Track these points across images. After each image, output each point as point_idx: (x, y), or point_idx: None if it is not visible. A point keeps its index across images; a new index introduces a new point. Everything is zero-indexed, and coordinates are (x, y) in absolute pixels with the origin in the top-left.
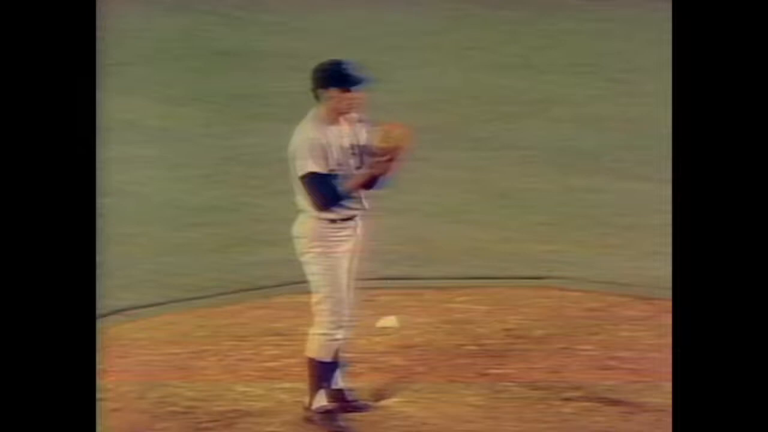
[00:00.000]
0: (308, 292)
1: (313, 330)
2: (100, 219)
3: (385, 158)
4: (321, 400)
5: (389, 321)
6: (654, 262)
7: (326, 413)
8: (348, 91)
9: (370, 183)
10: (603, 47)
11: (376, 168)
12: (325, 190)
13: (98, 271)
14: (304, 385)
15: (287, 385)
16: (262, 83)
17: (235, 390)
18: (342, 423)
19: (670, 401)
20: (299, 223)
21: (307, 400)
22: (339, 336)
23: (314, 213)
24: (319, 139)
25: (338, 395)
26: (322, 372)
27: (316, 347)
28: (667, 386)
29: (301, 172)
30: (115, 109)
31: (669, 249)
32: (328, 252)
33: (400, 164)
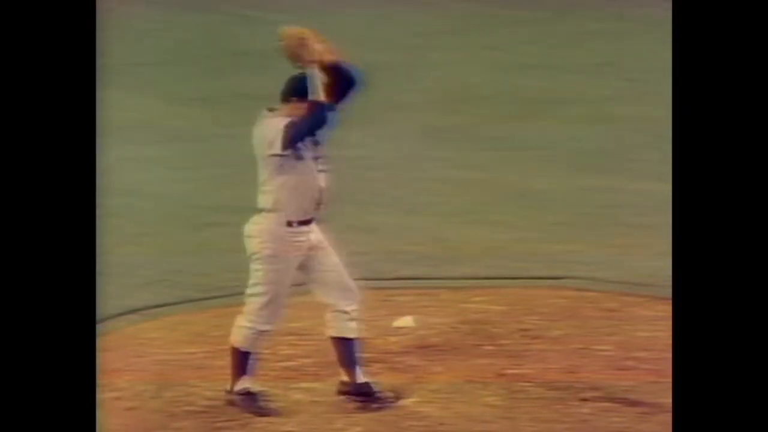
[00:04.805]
0: None
1: (239, 322)
2: (114, 219)
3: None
4: (244, 383)
5: (406, 321)
6: (671, 261)
7: (247, 395)
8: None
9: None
10: (621, 47)
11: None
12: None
13: (107, 271)
14: (320, 385)
15: (303, 384)
16: (271, 83)
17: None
18: (261, 404)
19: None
20: (254, 223)
21: (228, 385)
22: (266, 329)
23: (272, 214)
24: None
25: (365, 388)
26: (245, 360)
27: (240, 338)
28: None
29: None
30: (130, 108)
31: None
32: (279, 255)
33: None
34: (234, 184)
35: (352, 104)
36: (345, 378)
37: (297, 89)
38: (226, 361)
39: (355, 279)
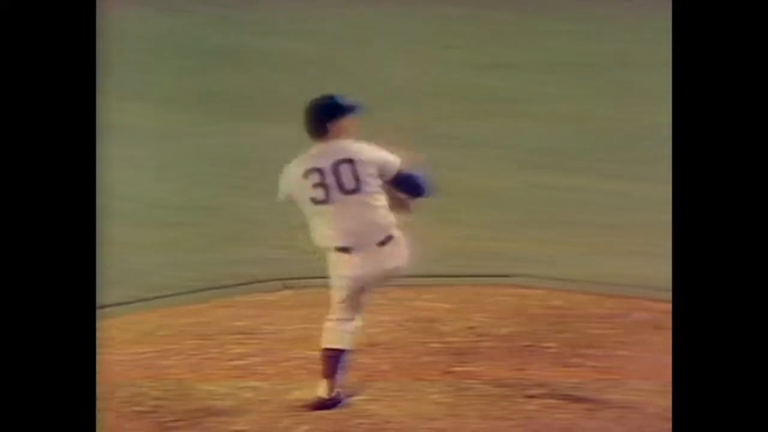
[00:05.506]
0: (272, 290)
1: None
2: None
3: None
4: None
5: None
6: (621, 260)
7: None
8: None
9: None
10: (578, 47)
11: None
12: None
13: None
14: (268, 384)
15: (252, 383)
16: (252, 83)
17: (201, 389)
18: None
19: (633, 398)
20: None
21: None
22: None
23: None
24: None
25: (336, 399)
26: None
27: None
28: (631, 383)
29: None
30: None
31: (636, 247)
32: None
33: None
34: (188, 185)
35: (300, 102)
36: (323, 394)
37: (340, 109)
38: (175, 361)
39: (305, 278)
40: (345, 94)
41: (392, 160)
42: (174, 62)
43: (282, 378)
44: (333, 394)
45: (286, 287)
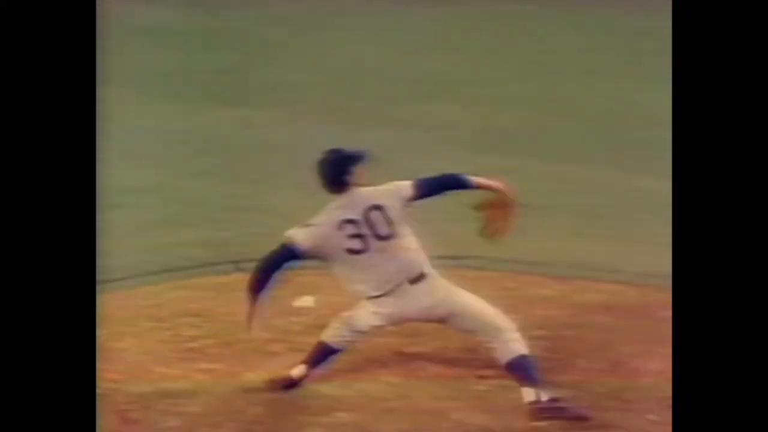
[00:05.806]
0: (226, 273)
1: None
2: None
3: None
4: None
5: (306, 301)
6: (568, 242)
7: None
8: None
9: None
10: (523, 29)
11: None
12: None
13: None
14: (221, 365)
15: (204, 365)
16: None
17: (154, 371)
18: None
19: (581, 378)
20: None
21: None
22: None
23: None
24: None
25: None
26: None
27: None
28: (579, 362)
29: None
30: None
31: (584, 230)
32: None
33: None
34: (140, 166)
35: (248, 83)
36: (295, 375)
37: (355, 158)
38: (129, 343)
39: (252, 260)
40: (282, 74)
41: (405, 185)
42: (173, 57)
43: (235, 360)
44: (300, 380)
45: (238, 270)
